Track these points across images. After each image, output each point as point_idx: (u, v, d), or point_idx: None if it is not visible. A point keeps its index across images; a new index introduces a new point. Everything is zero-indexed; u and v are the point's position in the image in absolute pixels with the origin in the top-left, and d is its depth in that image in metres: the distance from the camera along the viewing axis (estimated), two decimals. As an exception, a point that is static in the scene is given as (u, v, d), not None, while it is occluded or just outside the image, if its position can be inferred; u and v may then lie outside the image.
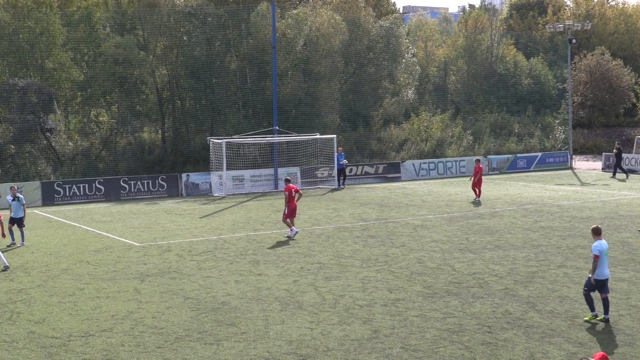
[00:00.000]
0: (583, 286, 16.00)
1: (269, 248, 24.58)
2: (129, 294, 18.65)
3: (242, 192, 42.98)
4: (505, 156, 54.70)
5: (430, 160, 51.99)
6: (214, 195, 42.26)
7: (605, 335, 14.73)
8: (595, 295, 15.65)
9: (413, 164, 50.62)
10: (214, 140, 43.40)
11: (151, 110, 51.53)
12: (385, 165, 49.74)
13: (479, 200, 35.80)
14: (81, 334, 15.26)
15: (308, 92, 50.26)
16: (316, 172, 46.34)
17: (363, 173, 48.44)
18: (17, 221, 26.65)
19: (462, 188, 42.05)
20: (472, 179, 36.77)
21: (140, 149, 49.50)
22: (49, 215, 34.61)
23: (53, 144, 47.00)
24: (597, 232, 15.78)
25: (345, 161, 44.68)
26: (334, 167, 45.55)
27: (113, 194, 41.32)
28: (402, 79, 57.98)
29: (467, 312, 16.32)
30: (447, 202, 36.14)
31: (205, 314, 16.56)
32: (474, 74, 66.73)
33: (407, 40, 59.55)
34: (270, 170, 44.89)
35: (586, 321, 15.56)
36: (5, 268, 22.13)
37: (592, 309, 15.63)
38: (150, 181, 42.57)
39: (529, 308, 16.54)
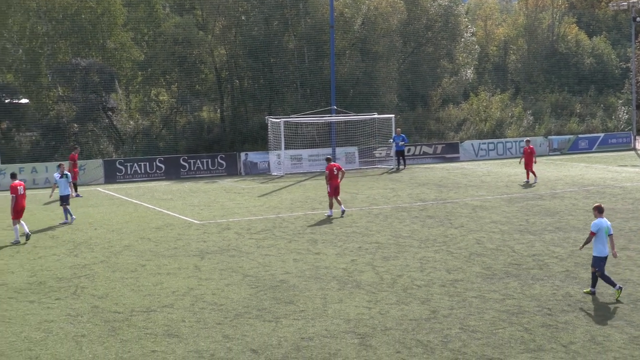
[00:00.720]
0: (593, 267, 16.08)
1: (326, 227, 24.65)
2: (189, 270, 18.91)
3: (300, 172, 43.16)
4: (567, 137, 53.88)
5: (490, 140, 51.49)
6: (272, 174, 42.52)
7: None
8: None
9: (472, 144, 50.20)
10: (272, 119, 43.60)
11: (210, 89, 51.93)
12: (444, 145, 49.41)
13: (527, 182, 35.23)
14: (143, 309, 15.54)
15: (366, 71, 50.07)
16: (374, 152, 46.25)
17: (421, 153, 48.21)
18: (63, 199, 26.81)
19: (522, 169, 41.53)
20: (523, 159, 35.97)
21: (200, 128, 49.97)
22: (111, 193, 35.22)
23: (115, 123, 47.73)
24: (599, 211, 16.15)
25: (402, 142, 43.70)
26: (391, 147, 45.38)
27: (173, 172, 41.88)
28: (461, 58, 57.38)
29: (527, 293, 16.17)
30: (506, 182, 35.77)
31: (264, 291, 16.72)
32: (534, 53, 65.65)
33: (466, 19, 58.83)
34: (328, 150, 44.93)
35: (617, 300, 15.62)
36: (28, 234, 23.42)
37: (614, 284, 15.77)
38: (209, 160, 43.01)
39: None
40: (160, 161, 42.01)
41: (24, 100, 47.20)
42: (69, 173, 27.25)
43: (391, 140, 44.20)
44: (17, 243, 23.22)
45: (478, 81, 61.82)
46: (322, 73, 49.48)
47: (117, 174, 40.72)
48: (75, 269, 19.37)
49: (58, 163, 30.33)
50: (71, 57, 46.87)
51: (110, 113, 47.67)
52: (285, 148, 42.67)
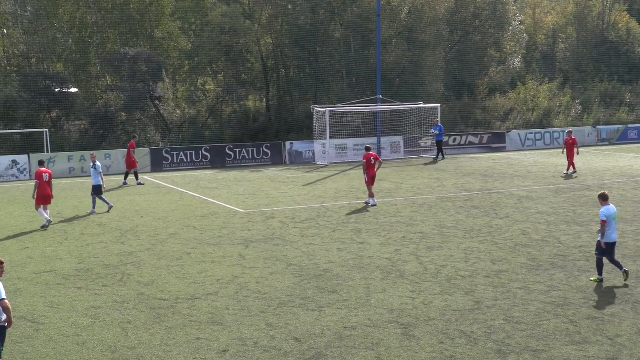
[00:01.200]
0: (595, 250, 16.54)
1: (371, 217, 24.63)
2: (234, 259, 19.04)
3: (344, 161, 43.15)
4: (616, 127, 53.01)
5: (537, 130, 50.89)
6: (317, 163, 42.58)
7: None
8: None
9: (519, 134, 49.68)
10: (317, 108, 43.63)
11: (256, 78, 52.13)
12: (490, 135, 48.98)
13: (567, 174, 34.77)
14: (188, 296, 15.70)
15: (412, 60, 49.83)
16: (419, 142, 46.03)
17: (467, 143, 47.85)
18: (94, 188, 26.76)
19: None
20: (566, 151, 35.49)
21: (245, 117, 50.22)
22: (157, 181, 35.59)
23: (162, 112, 48.19)
24: (604, 198, 16.32)
25: (437, 132, 42.69)
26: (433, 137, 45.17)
27: (219, 161, 42.17)
28: (508, 47, 56.79)
29: (573, 285, 15.99)
30: (553, 173, 35.36)
31: (308, 280, 16.77)
32: (584, 41, 64.66)
33: (514, 8, 58.15)
34: (374, 139, 44.84)
35: (592, 281, 16.29)
36: (48, 222, 24.04)
37: (600, 272, 16.27)
38: (254, 149, 43.21)
39: (637, 283, 16.09)
40: (206, 150, 42.32)
41: (74, 90, 47.88)
42: (98, 163, 26.92)
43: (432, 130, 43.66)
44: (49, 223, 24.12)
45: (526, 70, 61.11)
46: (368, 62, 49.35)
47: (164, 162, 41.13)
48: (122, 256, 19.63)
49: (91, 152, 30.44)
50: (120, 47, 47.40)
51: (157, 102, 48.13)
52: (331, 137, 42.68)
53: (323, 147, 43.02)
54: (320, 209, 26.44)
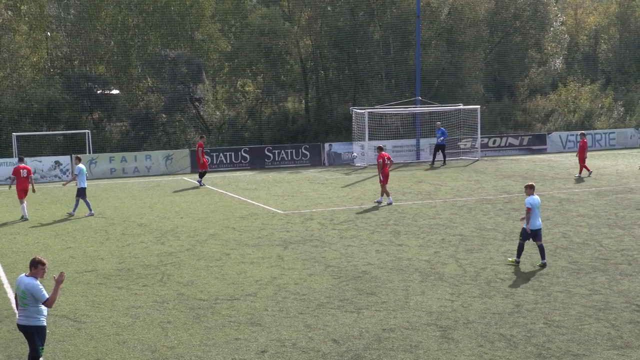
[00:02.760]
0: (519, 235, 18.21)
1: (409, 219, 24.55)
2: (273, 260, 19.11)
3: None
4: (659, 128, 52.22)
5: (578, 132, 50.29)
6: (356, 165, 42.54)
7: None
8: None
9: (560, 135, 49.17)
10: (356, 110, 43.60)
11: (295, 80, 52.25)
12: (531, 136, 48.55)
13: (579, 176, 34.35)
14: (227, 297, 15.79)
15: (452, 61, 49.60)
16: (459, 143, 45.79)
17: (507, 145, 47.49)
18: (78, 191, 26.68)
19: (611, 161, 40.61)
20: (579, 154, 35.02)
21: (284, 118, 50.37)
22: (197, 182, 35.80)
23: (201, 113, 48.52)
24: (531, 188, 18.02)
25: (441, 138, 41.79)
26: (476, 138, 44.87)
27: (258, 162, 42.33)
28: (549, 47, 56.25)
29: (614, 289, 15.79)
30: (595, 175, 34.94)
31: (346, 282, 16.77)
32: (626, 42, 63.82)
33: (555, 8, 57.57)
34: (412, 141, 44.70)
35: (509, 262, 18.11)
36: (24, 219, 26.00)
37: (519, 255, 18.10)
38: (293, 150, 43.31)
39: (681, 287, 15.85)
40: (245, 151, 42.52)
41: (115, 91, 48.41)
42: (81, 166, 26.71)
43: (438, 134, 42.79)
44: (23, 219, 26.12)
45: (567, 71, 60.48)
46: (407, 63, 49.21)
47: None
48: (162, 256, 19.80)
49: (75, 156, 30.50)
50: (160, 49, 47.83)
51: (197, 103, 48.47)
52: (369, 139, 42.62)
53: (362, 149, 42.96)
54: (358, 211, 26.42)
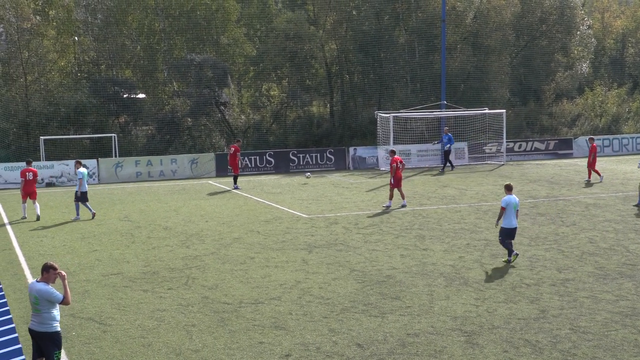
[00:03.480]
0: (504, 240, 18.69)
1: (434, 223, 24.48)
2: (297, 264, 19.12)
3: (408, 167, 42.94)
4: (688, 133, 51.71)
5: (605, 136, 49.95)
6: (381, 169, 42.48)
7: None
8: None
9: (586, 140, 48.79)
10: (381, 114, 43.57)
11: (320, 84, 52.31)
12: (557, 141, 48.26)
13: (588, 181, 34.14)
14: (251, 301, 15.82)
15: (477, 65, 49.45)
16: (484, 148, 45.62)
17: (533, 149, 47.24)
18: (78, 195, 26.95)
19: (633, 166, 40.20)
20: (588, 158, 34.85)
21: (309, 122, 50.45)
22: (222, 186, 35.95)
23: (227, 117, 48.70)
24: (509, 188, 18.94)
25: (448, 145, 41.25)
26: (502, 142, 44.66)
27: (282, 166, 42.41)
28: (576, 51, 55.86)
29: (642, 295, 15.66)
30: (622, 180, 34.66)
31: (371, 286, 16.75)
32: (654, 45, 63.27)
33: (582, 12, 57.18)
34: (437, 145, 44.59)
35: (505, 261, 18.57)
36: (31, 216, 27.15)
37: (511, 251, 18.55)
38: (318, 154, 43.35)
39: None
40: (270, 155, 42.62)
41: (141, 95, 48.75)
42: (81, 170, 27.00)
43: (437, 142, 42.51)
44: (23, 219, 27.23)
45: (594, 75, 60.03)
46: (433, 67, 49.12)
47: (228, 167, 41.48)
48: (186, 260, 19.89)
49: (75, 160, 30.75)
50: (186, 53, 48.09)
51: (222, 107, 48.67)
52: (394, 143, 42.54)
53: (386, 153, 42.88)
54: (383, 215, 26.38)
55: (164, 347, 13.12)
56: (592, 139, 35.49)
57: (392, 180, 27.99)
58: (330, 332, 13.71)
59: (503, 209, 18.59)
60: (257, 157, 42.31)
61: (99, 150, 43.47)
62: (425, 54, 50.10)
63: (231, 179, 36.51)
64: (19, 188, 29.81)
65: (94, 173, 39.20)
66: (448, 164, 41.54)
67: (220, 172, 40.99)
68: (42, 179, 37.70)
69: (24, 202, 27.54)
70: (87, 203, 27.12)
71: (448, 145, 41.30)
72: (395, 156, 28.57)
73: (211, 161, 41.29)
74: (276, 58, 49.14)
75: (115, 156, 41.83)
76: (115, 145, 42.28)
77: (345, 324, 14.13)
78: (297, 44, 48.59)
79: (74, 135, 43.99)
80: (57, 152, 42.23)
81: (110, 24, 47.59)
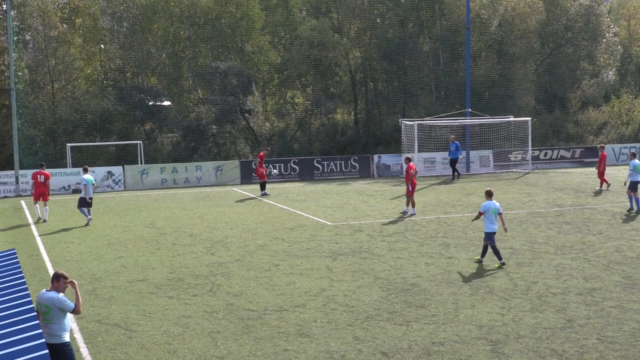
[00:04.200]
0: (485, 240, 19.49)
1: (459, 231, 24.39)
2: (322, 271, 19.12)
3: (433, 174, 42.86)
4: None
5: (632, 144, 49.48)
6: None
7: None
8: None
9: (612, 148, 48.45)
10: (405, 122, 43.50)
11: (344, 92, 52.34)
12: (583, 149, 47.93)
13: (600, 190, 33.84)
14: (276, 308, 15.84)
15: (502, 73, 49.26)
16: (509, 156, 45.40)
17: (558, 157, 46.96)
18: (82, 200, 27.56)
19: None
20: (598, 167, 34.49)
21: (334, 130, 50.46)
22: (246, 193, 36.05)
23: (251, 125, 48.84)
24: (489, 194, 19.86)
25: (460, 154, 40.69)
26: (527, 150, 44.43)
27: (307, 174, 42.46)
28: (602, 59, 55.48)
29: (670, 305, 15.50)
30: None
31: (395, 294, 16.71)
32: (682, 52, 62.67)
33: (608, 19, 56.77)
34: (462, 153, 44.43)
35: (496, 267, 19.11)
36: (41, 219, 28.26)
37: (500, 257, 19.22)
38: (342, 162, 43.35)
39: None
40: (294, 162, 42.69)
41: (167, 103, 49.02)
42: (85, 177, 27.53)
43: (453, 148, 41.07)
44: (38, 220, 28.41)
45: (620, 83, 59.53)
46: (457, 75, 49.00)
47: (253, 174, 41.57)
48: (211, 266, 19.95)
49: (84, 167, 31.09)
50: (211, 61, 48.32)
51: (247, 115, 48.83)
52: (419, 151, 42.46)
53: (462, 157, 42.75)
54: (408, 223, 26.32)
55: (189, 353, 13.16)
56: (602, 147, 35.18)
57: (410, 188, 28.07)
58: (355, 340, 13.70)
59: (481, 214, 19.57)
60: (282, 165, 42.39)
61: (125, 157, 43.76)
62: (449, 62, 50.00)
63: (257, 186, 36.57)
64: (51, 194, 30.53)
65: (119, 180, 39.46)
66: (456, 173, 40.86)
67: (245, 179, 41.11)
68: (68, 186, 38.03)
69: (36, 203, 28.82)
70: (89, 209, 27.68)
71: (460, 154, 40.81)
72: (411, 163, 28.70)
73: (236, 168, 41.43)
74: (300, 66, 49.25)
75: (141, 163, 42.08)
76: (140, 152, 42.54)
77: (370, 332, 14.11)
78: (322, 51, 48.67)
79: (100, 142, 44.32)
80: (83, 158, 42.54)
81: (136, 32, 47.94)
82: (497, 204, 19.79)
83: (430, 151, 44.04)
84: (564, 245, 21.76)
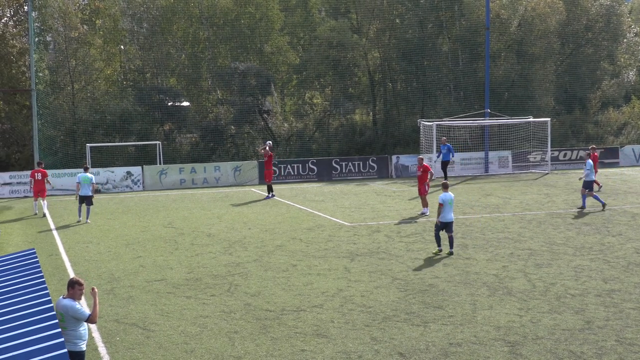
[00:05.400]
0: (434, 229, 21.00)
1: (477, 232, 24.31)
2: (339, 272, 19.12)
3: (451, 175, 42.71)
4: None
5: (652, 145, 49.16)
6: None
7: None
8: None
9: (633, 149, 48.12)
10: (424, 122, 43.40)
11: (363, 92, 52.29)
12: (603, 150, 47.59)
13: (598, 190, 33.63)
14: (293, 308, 15.85)
15: (521, 73, 49.04)
16: (528, 156, 45.21)
17: (578, 158, 46.67)
18: (84, 198, 28.52)
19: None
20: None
21: (352, 130, 50.43)
22: (264, 193, 36.06)
23: (270, 125, 48.91)
24: (445, 187, 21.18)
25: (451, 155, 39.62)
26: (546, 151, 44.21)
27: (325, 174, 42.46)
28: (622, 59, 55.13)
29: (690, 307, 15.38)
30: (670, 190, 34.10)
31: (413, 295, 16.69)
32: None
33: (629, 19, 56.40)
34: (481, 154, 44.30)
35: (434, 253, 20.79)
36: (40, 214, 30.00)
37: (439, 244, 20.97)
38: (360, 162, 43.33)
39: None
40: (312, 163, 42.70)
41: (186, 103, 49.19)
42: (83, 175, 28.60)
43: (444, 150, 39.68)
44: (35, 214, 30.32)
45: (641, 83, 59.16)
46: (476, 75, 48.84)
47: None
48: (229, 267, 20.00)
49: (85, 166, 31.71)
50: (230, 61, 48.42)
51: (265, 115, 48.90)
52: (437, 151, 42.30)
53: (430, 162, 42.69)
54: (426, 223, 26.27)
55: (206, 353, 13.21)
56: (593, 148, 34.92)
57: (427, 187, 28.44)
58: (372, 340, 13.69)
59: (441, 205, 20.62)
60: (300, 165, 42.43)
61: (144, 157, 43.95)
62: (469, 62, 49.85)
63: (274, 187, 36.50)
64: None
65: (138, 180, 39.63)
66: (450, 174, 40.12)
67: (263, 180, 41.13)
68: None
69: (35, 200, 30.42)
70: (85, 208, 28.52)
71: (452, 156, 39.94)
72: (425, 163, 28.93)
73: (254, 169, 41.50)
74: (319, 66, 49.26)
75: (160, 163, 42.24)
76: (159, 152, 42.71)
77: (388, 333, 14.09)
78: (340, 52, 48.65)
79: (119, 142, 44.54)
80: (102, 159, 42.79)
81: (155, 32, 48.13)
82: (452, 195, 21.09)
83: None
84: (583, 247, 21.64)
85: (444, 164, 39.58)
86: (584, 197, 28.84)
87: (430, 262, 20.02)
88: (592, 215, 27.23)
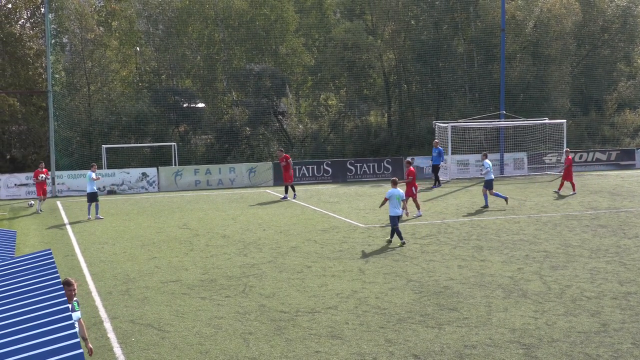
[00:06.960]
0: (392, 225, 22.57)
1: (492, 234, 24.25)
2: (354, 273, 19.12)
3: (466, 177, 42.66)
4: None
5: (668, 147, 48.89)
6: (440, 178, 42.13)
7: None
8: None
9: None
10: (439, 124, 43.33)
11: (378, 94, 52.29)
12: (619, 151, 47.39)
13: (559, 194, 33.82)
14: (308, 310, 15.86)
15: (537, 75, 48.89)
16: (544, 158, 45.04)
17: (594, 160, 46.47)
18: (89, 195, 30.09)
19: None
20: (565, 171, 34.15)
21: (367, 132, 50.42)
22: (279, 195, 36.11)
23: (284, 127, 48.96)
24: (394, 183, 23.05)
25: (442, 159, 39.32)
26: (562, 153, 44.05)
27: (340, 176, 42.45)
28: (639, 60, 54.83)
29: None
30: (687, 192, 33.90)
31: (428, 297, 16.66)
32: None
33: (646, 20, 56.17)
34: (496, 156, 44.17)
35: (398, 246, 22.11)
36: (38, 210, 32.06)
37: (401, 237, 22.57)
38: (375, 164, 43.31)
39: None
40: (327, 164, 42.71)
41: (201, 105, 49.35)
42: (88, 173, 30.24)
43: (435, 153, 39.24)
44: (38, 212, 32.10)
45: (658, 85, 58.82)
46: (492, 77, 48.73)
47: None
48: (244, 268, 20.03)
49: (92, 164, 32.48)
50: (245, 63, 48.53)
51: (280, 117, 48.96)
52: (452, 153, 42.27)
53: (444, 163, 42.63)
54: (440, 225, 26.23)
55: (221, 354, 13.23)
56: (567, 152, 34.85)
57: (414, 191, 28.52)
58: (387, 342, 13.68)
59: (386, 199, 22.70)
60: (315, 167, 42.44)
61: (159, 158, 44.11)
62: (484, 64, 49.75)
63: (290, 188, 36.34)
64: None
65: (153, 181, 39.78)
66: (438, 180, 39.12)
67: (278, 181, 41.16)
68: (103, 187, 38.37)
69: (40, 198, 32.71)
70: (93, 205, 29.85)
71: (443, 160, 39.61)
72: (412, 167, 29.11)
73: (269, 170, 41.56)
74: (334, 68, 49.30)
75: (175, 165, 42.38)
76: (175, 153, 42.85)
77: (402, 335, 14.07)
78: (355, 53, 48.66)
79: (135, 143, 44.71)
80: (118, 160, 42.99)
81: (171, 34, 48.31)
82: (401, 191, 22.95)
83: (463, 153, 43.82)
84: (598, 249, 21.53)
85: (435, 169, 38.95)
86: (485, 196, 30.40)
87: (445, 264, 19.98)
88: (608, 218, 27.10)
